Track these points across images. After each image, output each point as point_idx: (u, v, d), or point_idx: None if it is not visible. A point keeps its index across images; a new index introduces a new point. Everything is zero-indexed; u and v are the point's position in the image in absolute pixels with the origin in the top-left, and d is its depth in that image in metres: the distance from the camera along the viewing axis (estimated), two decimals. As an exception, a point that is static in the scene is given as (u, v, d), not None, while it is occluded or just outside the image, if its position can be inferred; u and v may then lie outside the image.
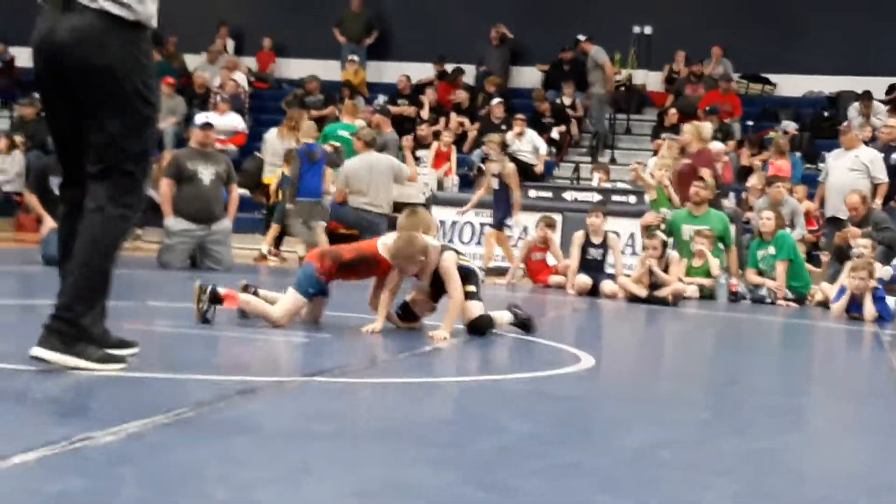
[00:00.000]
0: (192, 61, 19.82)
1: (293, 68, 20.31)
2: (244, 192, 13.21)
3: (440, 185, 14.83)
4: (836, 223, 11.81)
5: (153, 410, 3.09)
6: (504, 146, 14.02)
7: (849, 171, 11.88)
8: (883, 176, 11.91)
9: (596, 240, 10.58)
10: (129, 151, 3.82)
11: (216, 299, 5.60)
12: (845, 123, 12.63)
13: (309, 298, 5.68)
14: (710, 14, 18.69)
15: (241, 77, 18.62)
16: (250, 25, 20.64)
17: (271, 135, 13.64)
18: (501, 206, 11.79)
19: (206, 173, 10.38)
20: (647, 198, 11.64)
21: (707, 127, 13.03)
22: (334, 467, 2.67)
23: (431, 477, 2.61)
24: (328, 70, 19.42)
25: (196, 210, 10.30)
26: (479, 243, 12.84)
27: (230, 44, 20.42)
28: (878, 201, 11.55)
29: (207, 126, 10.63)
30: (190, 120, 14.54)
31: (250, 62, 20.38)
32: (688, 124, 12.99)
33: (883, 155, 12.26)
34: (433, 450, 2.95)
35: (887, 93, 17.36)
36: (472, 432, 3.28)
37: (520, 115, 16.08)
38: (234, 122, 16.53)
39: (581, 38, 17.93)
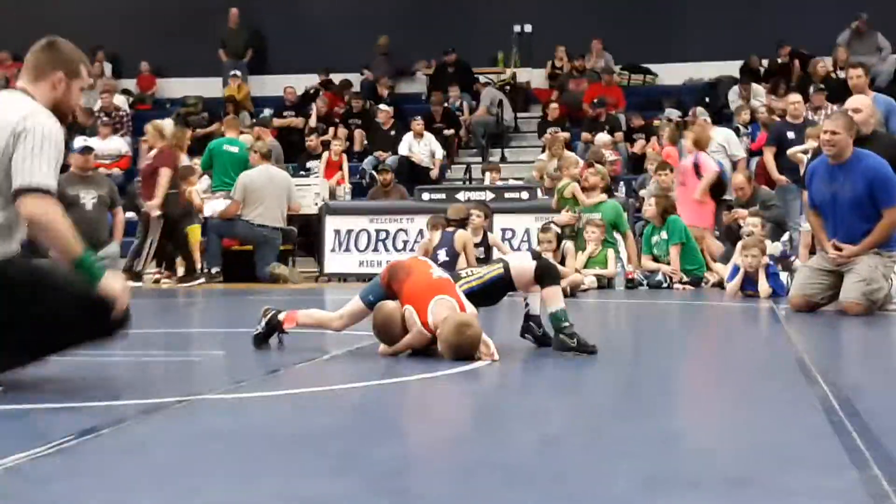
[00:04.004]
0: (70, 86, 19.37)
1: (174, 88, 20.01)
2: (130, 214, 12.93)
3: (332, 195, 14.68)
4: None
5: (33, 441, 2.91)
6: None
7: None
8: (740, 152, 12.87)
9: (476, 238, 10.67)
10: None
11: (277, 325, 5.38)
12: (691, 112, 13.45)
13: (369, 306, 5.23)
14: (588, 8, 18.87)
15: (120, 100, 18.26)
16: (127, 48, 20.25)
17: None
18: None
19: (88, 197, 10.13)
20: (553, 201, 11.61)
21: (168, 124, 13.10)
22: (229, 484, 2.53)
23: (331, 486, 2.49)
24: (210, 88, 19.17)
25: (80, 235, 10.00)
26: (375, 250, 12.72)
27: (107, 67, 20.04)
28: (741, 176, 11.85)
29: (87, 150, 10.39)
30: (69, 145, 14.17)
31: (130, 84, 20.03)
32: (149, 124, 12.93)
33: (778, 133, 12.87)
34: (332, 459, 2.82)
35: (765, 73, 17.71)
36: (373, 438, 3.17)
37: (417, 118, 16.09)
38: (118, 145, 16.20)
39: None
